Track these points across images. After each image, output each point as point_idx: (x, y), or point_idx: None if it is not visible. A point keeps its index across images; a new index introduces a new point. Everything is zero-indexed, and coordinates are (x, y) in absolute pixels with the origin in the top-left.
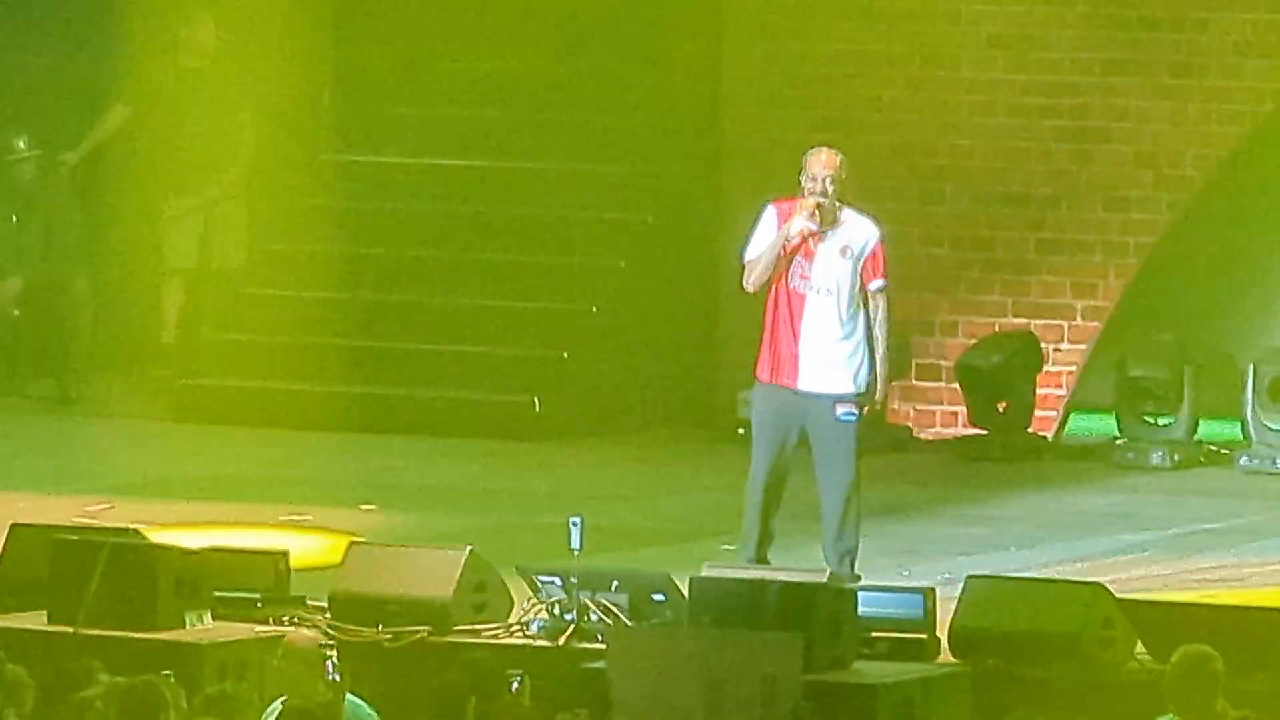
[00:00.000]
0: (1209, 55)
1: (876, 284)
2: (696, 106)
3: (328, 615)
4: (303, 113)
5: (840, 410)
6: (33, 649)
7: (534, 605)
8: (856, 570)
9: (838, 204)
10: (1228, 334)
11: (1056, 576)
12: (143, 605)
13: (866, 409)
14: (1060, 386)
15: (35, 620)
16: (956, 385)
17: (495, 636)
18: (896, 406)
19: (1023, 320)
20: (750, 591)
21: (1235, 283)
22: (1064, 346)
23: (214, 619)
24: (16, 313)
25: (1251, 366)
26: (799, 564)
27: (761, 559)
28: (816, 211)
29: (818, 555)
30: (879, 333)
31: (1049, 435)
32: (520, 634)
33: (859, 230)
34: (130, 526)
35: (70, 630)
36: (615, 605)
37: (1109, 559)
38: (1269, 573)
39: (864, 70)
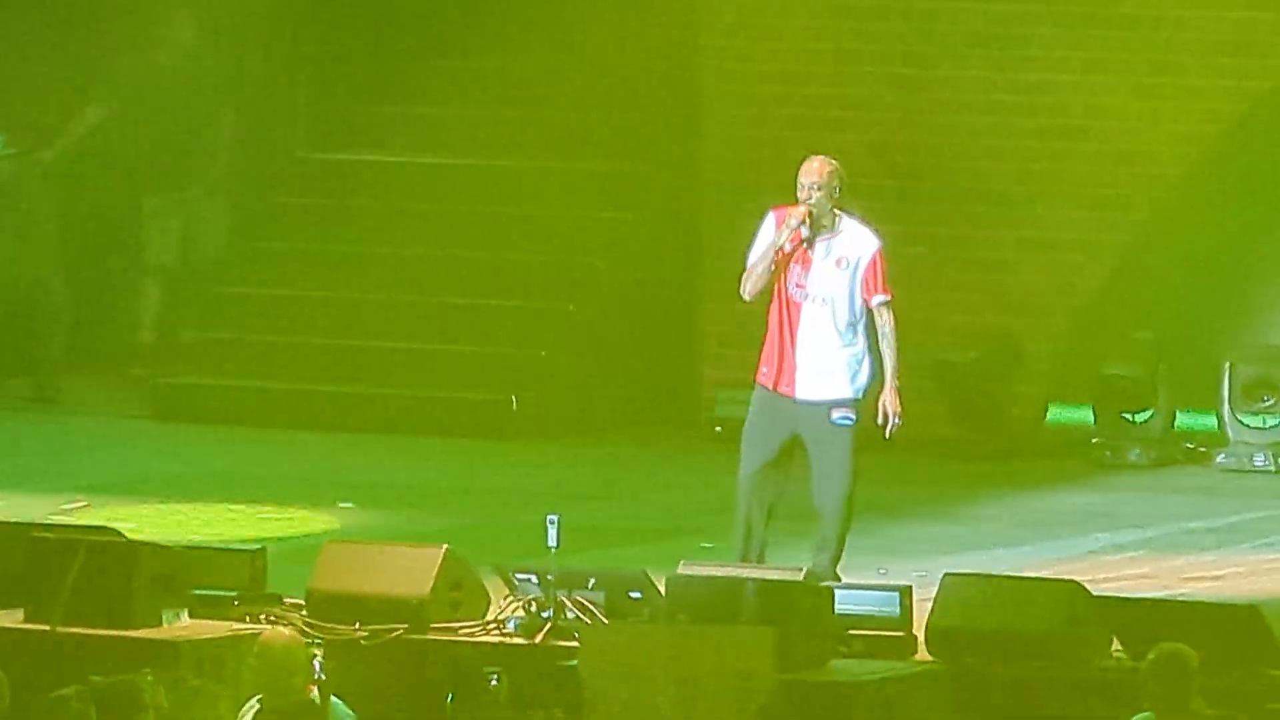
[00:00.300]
0: (1187, 54)
1: (877, 299)
2: (675, 105)
3: (304, 613)
4: (281, 111)
5: (836, 415)
6: (9, 647)
7: (511, 603)
8: (837, 571)
9: (837, 214)
10: (1205, 332)
11: (1033, 575)
12: (120, 603)
13: (891, 427)
14: (1038, 385)
15: (12, 619)
16: (934, 384)
17: (472, 635)
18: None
19: (1000, 319)
20: (727, 590)
21: (1213, 281)
22: (1042, 345)
23: (191, 617)
24: None
25: (1228, 365)
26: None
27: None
28: (807, 220)
29: (802, 556)
30: (886, 350)
31: (1026, 435)
32: (497, 632)
33: (856, 241)
34: (107, 525)
35: (47, 628)
36: (592, 603)
37: (1086, 558)
38: (1246, 571)
39: (842, 68)
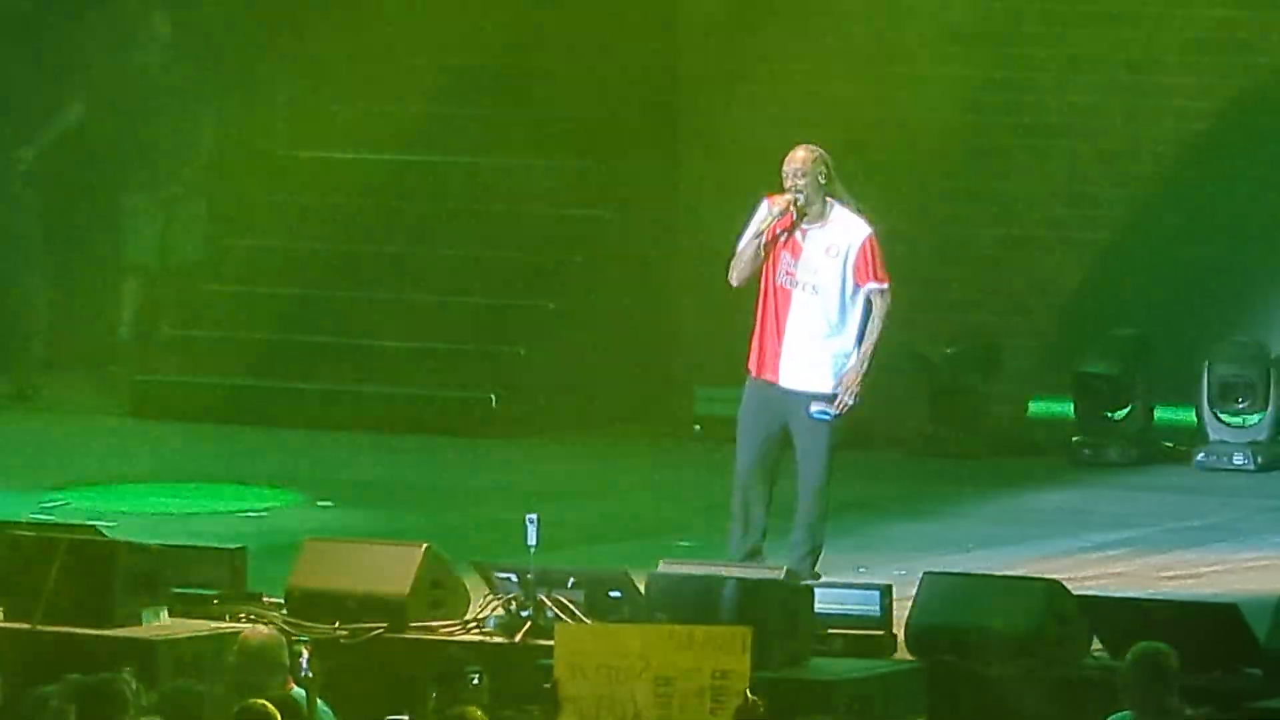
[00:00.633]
0: (1166, 51)
1: (868, 286)
2: (653, 102)
3: (284, 611)
4: (260, 109)
5: (814, 408)
6: None
7: (490, 602)
8: (817, 569)
9: (829, 201)
10: (1185, 330)
11: (1013, 573)
12: (99, 601)
13: (839, 407)
14: (1017, 384)
15: None
16: (914, 381)
17: (451, 633)
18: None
19: (980, 317)
20: (706, 588)
21: (1193, 279)
22: (1022, 343)
23: (171, 615)
24: None
25: (1207, 364)
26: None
27: (751, 553)
28: (792, 208)
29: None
30: (867, 334)
31: (1006, 433)
32: (477, 631)
33: (845, 229)
34: (87, 523)
35: (27, 626)
36: (572, 602)
37: (1066, 556)
38: (1225, 570)
39: (821, 66)
